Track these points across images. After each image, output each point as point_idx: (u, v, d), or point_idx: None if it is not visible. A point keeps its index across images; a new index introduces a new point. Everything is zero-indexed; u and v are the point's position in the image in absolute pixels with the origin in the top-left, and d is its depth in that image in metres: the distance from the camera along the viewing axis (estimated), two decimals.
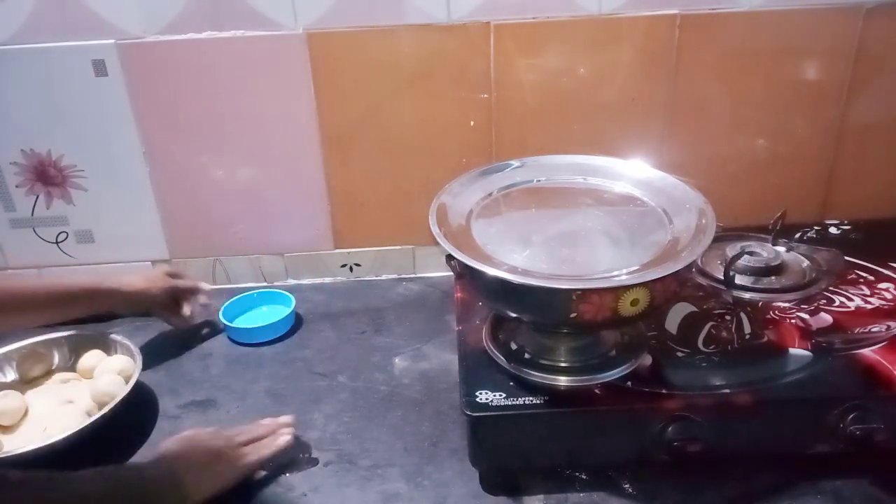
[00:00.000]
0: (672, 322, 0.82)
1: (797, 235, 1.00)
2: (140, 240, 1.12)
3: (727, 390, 0.71)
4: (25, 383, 0.91)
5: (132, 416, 0.85)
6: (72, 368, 0.93)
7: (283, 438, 0.77)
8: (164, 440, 0.74)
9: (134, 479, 0.67)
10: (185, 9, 0.96)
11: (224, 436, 0.75)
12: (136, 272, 1.00)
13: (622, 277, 0.66)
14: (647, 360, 0.76)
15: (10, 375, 0.91)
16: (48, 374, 0.93)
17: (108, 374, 0.87)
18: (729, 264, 0.84)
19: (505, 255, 0.71)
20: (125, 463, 0.77)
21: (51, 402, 0.87)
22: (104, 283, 0.91)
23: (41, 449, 0.75)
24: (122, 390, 0.83)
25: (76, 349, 0.93)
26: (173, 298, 0.98)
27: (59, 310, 0.89)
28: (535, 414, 0.70)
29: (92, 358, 0.91)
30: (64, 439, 0.76)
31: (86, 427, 0.78)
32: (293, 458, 0.78)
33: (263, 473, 0.76)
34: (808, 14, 0.98)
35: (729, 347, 0.78)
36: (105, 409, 0.80)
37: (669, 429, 0.70)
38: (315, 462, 0.78)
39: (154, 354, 0.97)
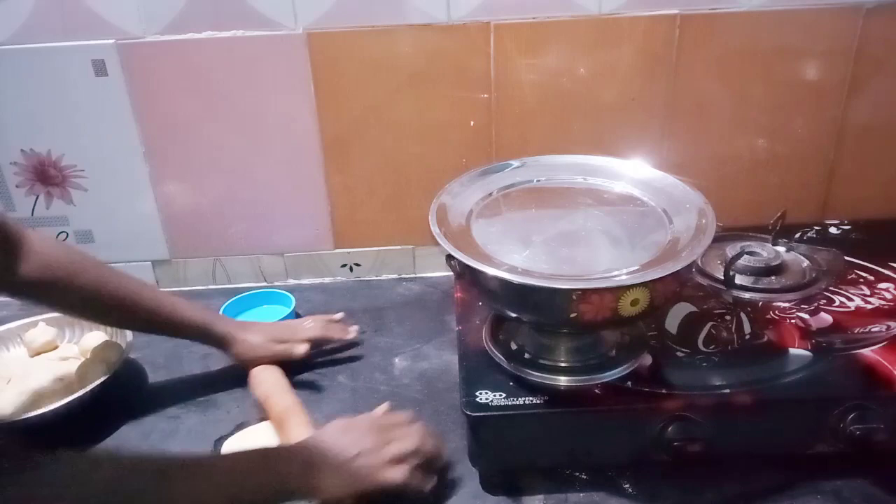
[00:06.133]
0: (672, 322, 0.82)
1: (797, 235, 1.00)
2: (140, 240, 1.12)
3: (727, 390, 0.71)
4: (32, 357, 0.95)
5: (121, 396, 0.86)
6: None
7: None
8: (320, 426, 0.71)
9: (255, 473, 0.64)
10: (185, 9, 0.96)
11: (374, 436, 0.69)
12: (263, 326, 0.93)
13: (622, 277, 0.66)
14: (647, 360, 0.76)
15: (18, 349, 0.96)
16: (53, 349, 0.96)
17: (92, 355, 0.90)
18: (729, 264, 0.84)
19: (505, 255, 0.71)
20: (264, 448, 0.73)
21: (39, 376, 0.89)
22: (217, 326, 0.89)
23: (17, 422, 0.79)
24: (101, 374, 0.85)
25: (83, 328, 0.96)
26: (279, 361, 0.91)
27: (166, 332, 0.89)
28: (535, 414, 0.70)
29: (93, 338, 0.93)
30: (38, 416, 0.79)
31: (62, 406, 0.80)
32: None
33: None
34: (808, 14, 0.98)
35: (729, 347, 0.78)
36: (81, 392, 0.82)
37: (669, 429, 0.70)
38: None
39: (154, 354, 0.97)
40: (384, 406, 0.80)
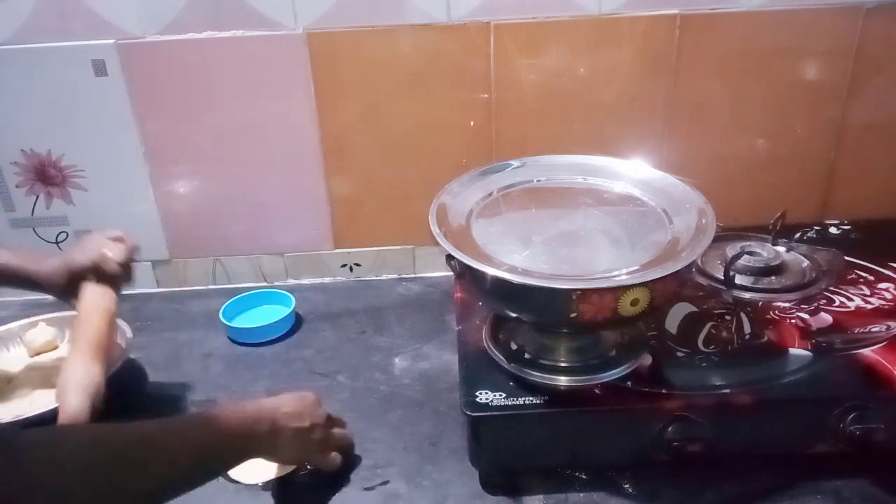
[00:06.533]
0: (672, 322, 0.82)
1: (797, 235, 1.00)
2: (140, 240, 1.11)
3: (727, 390, 0.71)
4: (31, 357, 0.94)
5: (121, 396, 0.85)
6: None
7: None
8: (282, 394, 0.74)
9: (237, 426, 0.67)
10: (185, 9, 0.96)
11: (321, 414, 0.74)
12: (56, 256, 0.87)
13: (622, 277, 0.66)
14: (647, 360, 0.76)
15: (18, 349, 0.95)
16: (53, 349, 0.95)
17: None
18: (729, 264, 0.84)
19: (505, 255, 0.71)
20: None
21: (39, 375, 0.89)
22: (11, 264, 0.84)
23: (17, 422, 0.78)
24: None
25: None
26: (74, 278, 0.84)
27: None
28: (535, 414, 0.70)
29: None
30: (38, 416, 0.78)
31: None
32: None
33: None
34: (808, 14, 0.98)
35: (729, 347, 0.78)
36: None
37: (669, 429, 0.70)
38: None
39: (154, 354, 0.97)
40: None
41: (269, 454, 0.71)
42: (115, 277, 0.85)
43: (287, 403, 0.71)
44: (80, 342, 0.79)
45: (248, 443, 0.67)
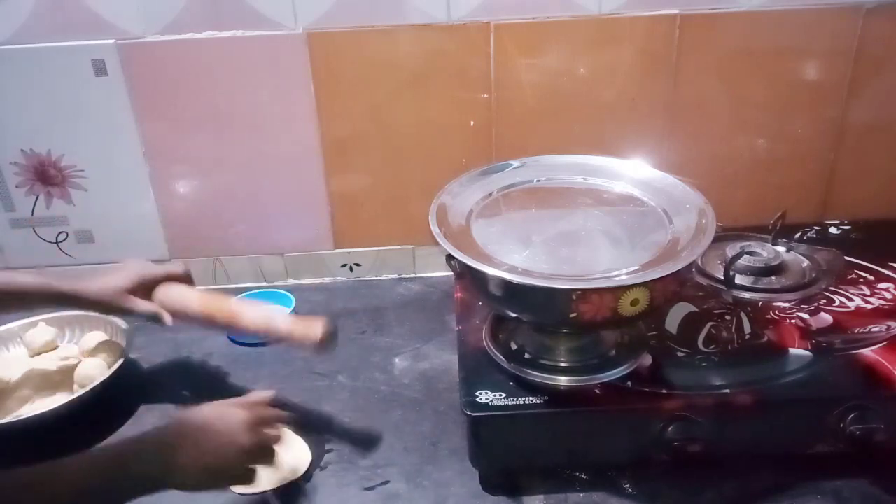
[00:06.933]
0: (672, 322, 0.82)
1: (797, 235, 1.00)
2: (140, 240, 1.12)
3: (727, 390, 0.71)
4: (32, 357, 0.95)
5: (121, 396, 0.87)
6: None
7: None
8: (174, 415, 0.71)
9: (115, 459, 0.64)
10: (185, 9, 0.96)
11: (237, 420, 0.68)
12: (100, 275, 0.86)
13: (622, 277, 0.66)
14: (647, 360, 0.76)
15: (18, 349, 0.96)
16: (53, 349, 0.95)
17: (92, 355, 0.90)
18: (729, 264, 0.84)
19: (505, 255, 0.71)
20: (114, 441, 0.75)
21: (39, 376, 0.89)
22: (58, 284, 0.83)
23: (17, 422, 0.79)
24: (100, 374, 0.85)
25: (83, 328, 0.96)
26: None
27: (8, 307, 0.86)
28: (535, 414, 0.70)
29: (93, 338, 0.93)
30: (37, 416, 0.79)
31: (61, 406, 0.80)
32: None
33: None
34: (808, 14, 0.98)
35: (729, 347, 0.78)
36: (80, 392, 0.83)
37: (669, 429, 0.70)
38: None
39: (154, 354, 0.97)
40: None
41: (171, 479, 0.64)
42: (188, 276, 0.88)
43: (189, 423, 0.67)
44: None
45: (135, 472, 0.62)
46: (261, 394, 0.75)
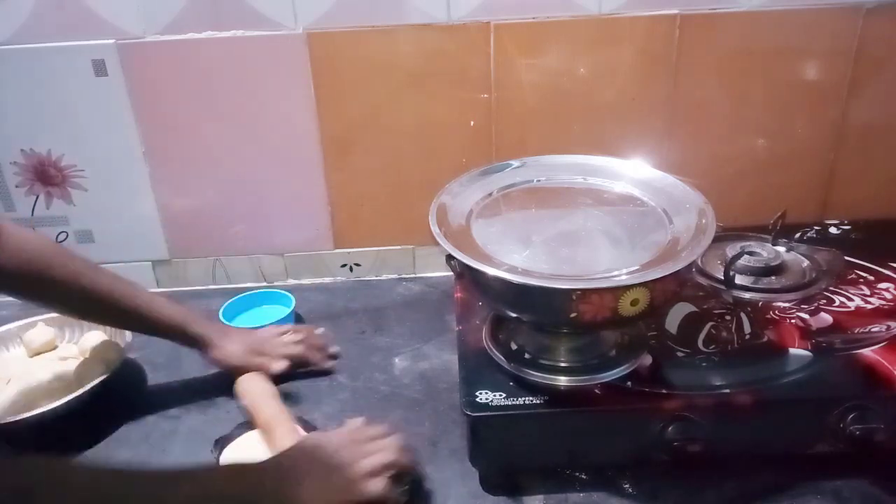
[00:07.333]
0: (672, 322, 0.82)
1: (797, 235, 1.00)
2: (140, 240, 1.12)
3: (727, 390, 0.71)
4: (31, 357, 0.95)
5: (121, 396, 0.87)
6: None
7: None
8: (291, 444, 0.70)
9: (226, 486, 0.63)
10: (185, 9, 0.96)
11: (352, 449, 0.68)
12: (244, 335, 0.92)
13: (622, 277, 0.66)
14: (647, 360, 0.76)
15: (17, 349, 0.96)
16: (52, 349, 0.96)
17: (91, 355, 0.90)
18: (729, 264, 0.84)
19: (505, 255, 0.71)
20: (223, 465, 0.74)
21: (38, 376, 0.89)
22: (194, 327, 0.88)
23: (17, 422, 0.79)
24: (100, 374, 0.85)
25: (82, 328, 0.96)
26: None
27: (141, 329, 0.88)
28: (535, 414, 0.70)
29: (92, 338, 0.93)
30: (37, 416, 0.79)
31: (61, 406, 0.80)
32: None
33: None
34: (808, 14, 0.98)
35: (729, 347, 0.78)
36: (80, 392, 0.82)
37: (669, 429, 0.70)
38: None
39: (154, 354, 0.97)
40: (359, 419, 0.76)
41: None
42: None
43: (305, 447, 0.68)
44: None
45: (250, 500, 0.62)
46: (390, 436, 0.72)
